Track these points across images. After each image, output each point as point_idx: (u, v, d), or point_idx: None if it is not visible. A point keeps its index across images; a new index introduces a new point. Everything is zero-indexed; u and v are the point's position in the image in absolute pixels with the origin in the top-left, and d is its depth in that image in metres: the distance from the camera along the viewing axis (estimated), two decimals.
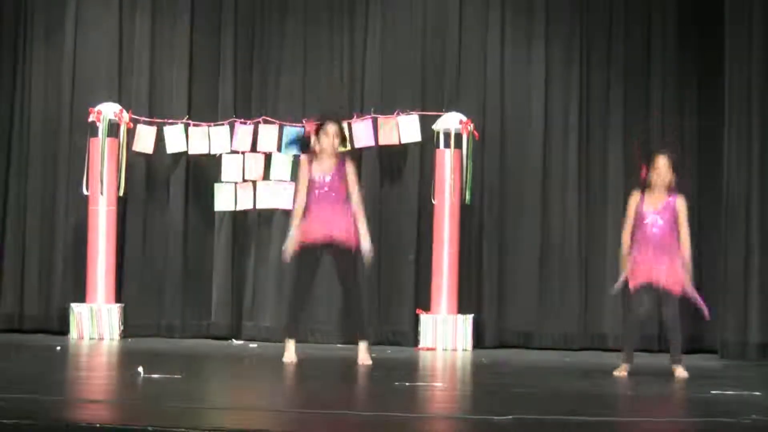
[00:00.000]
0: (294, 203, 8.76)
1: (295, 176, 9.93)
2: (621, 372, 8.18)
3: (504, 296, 11.10)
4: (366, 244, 8.57)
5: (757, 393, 6.93)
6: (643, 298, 8.10)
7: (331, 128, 8.57)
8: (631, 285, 8.12)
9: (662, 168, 8.09)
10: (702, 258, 10.68)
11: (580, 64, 11.19)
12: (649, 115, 11.01)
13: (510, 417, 5.28)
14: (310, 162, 8.58)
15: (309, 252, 8.51)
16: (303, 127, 10.85)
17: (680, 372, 8.09)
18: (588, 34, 11.22)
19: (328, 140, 8.54)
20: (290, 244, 8.50)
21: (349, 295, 8.67)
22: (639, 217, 8.13)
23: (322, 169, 8.54)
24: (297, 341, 8.79)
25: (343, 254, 8.52)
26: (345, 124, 8.86)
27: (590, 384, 7.64)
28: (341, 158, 8.62)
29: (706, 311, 8.18)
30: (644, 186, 8.17)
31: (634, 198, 8.21)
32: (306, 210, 8.53)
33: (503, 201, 11.18)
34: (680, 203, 8.13)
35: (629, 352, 8.27)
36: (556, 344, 10.93)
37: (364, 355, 8.64)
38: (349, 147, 8.95)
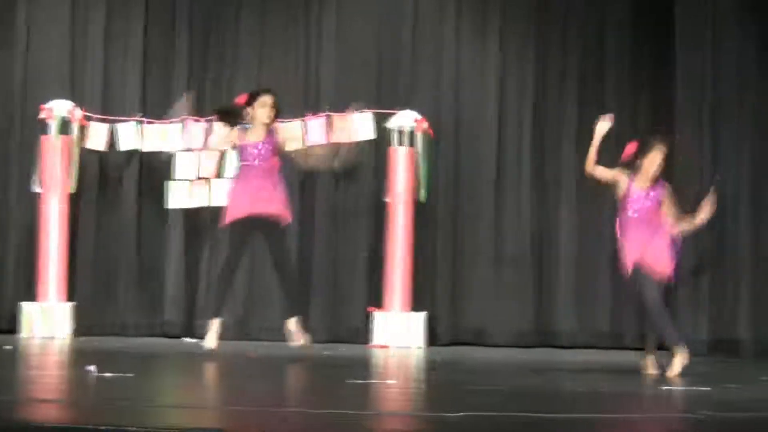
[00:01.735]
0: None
1: None
2: (650, 369, 8.04)
3: (457, 294, 11.13)
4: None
5: (707, 388, 6.99)
6: (650, 279, 7.97)
7: (268, 99, 8.55)
8: (627, 270, 8.05)
9: (656, 158, 8.05)
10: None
11: (535, 63, 11.24)
12: (603, 114, 11.07)
13: (463, 414, 5.29)
14: (241, 131, 8.53)
15: (239, 228, 8.47)
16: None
17: (679, 359, 7.94)
18: (543, 33, 11.27)
19: (264, 111, 8.51)
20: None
21: (283, 272, 8.61)
22: (627, 197, 8.09)
23: (252, 140, 8.50)
24: (222, 325, 8.71)
25: (274, 230, 8.49)
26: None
27: (544, 381, 7.67)
28: (270, 130, 8.59)
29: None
30: (633, 169, 8.14)
31: (623, 176, 8.14)
32: (237, 180, 8.49)
33: (457, 199, 11.21)
34: (667, 191, 8.14)
35: (650, 343, 8.08)
36: (510, 341, 10.98)
37: (298, 333, 8.58)
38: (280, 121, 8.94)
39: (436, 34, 11.34)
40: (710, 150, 10.21)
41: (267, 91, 8.72)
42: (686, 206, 8.32)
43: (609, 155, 8.35)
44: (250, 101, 8.59)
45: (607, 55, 11.18)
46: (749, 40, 10.19)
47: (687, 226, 8.13)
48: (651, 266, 7.97)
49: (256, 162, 8.47)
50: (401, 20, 11.33)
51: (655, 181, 8.12)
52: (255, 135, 8.54)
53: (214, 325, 8.65)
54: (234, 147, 8.62)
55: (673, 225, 8.08)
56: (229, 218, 8.51)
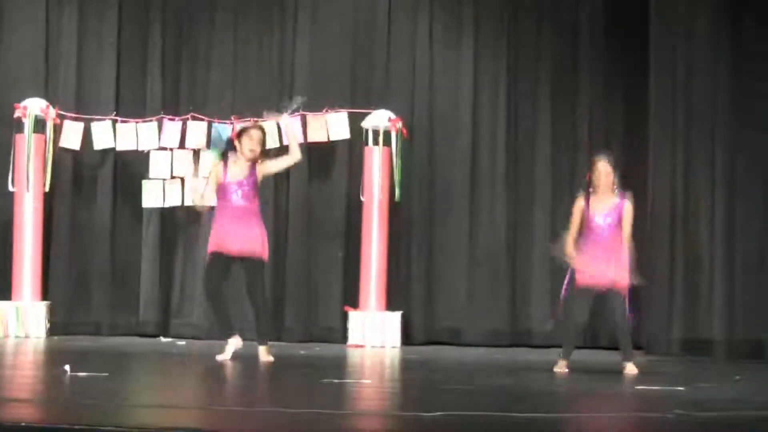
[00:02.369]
0: (199, 193, 8.69)
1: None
2: (561, 368, 8.18)
3: (433, 293, 11.14)
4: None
5: (681, 388, 7.03)
6: (584, 302, 8.11)
7: (256, 134, 8.56)
8: (576, 284, 8.12)
9: (603, 172, 8.15)
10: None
11: (508, 63, 11.26)
12: (577, 114, 11.13)
13: (438, 413, 5.31)
14: (226, 165, 8.52)
15: (219, 262, 8.46)
16: (232, 125, 10.85)
17: (630, 368, 8.09)
18: (516, 33, 11.29)
19: (251, 143, 8.51)
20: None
21: (257, 306, 8.62)
22: (586, 220, 8.17)
23: (235, 174, 8.49)
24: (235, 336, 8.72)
25: (253, 267, 8.50)
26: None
27: (518, 380, 7.70)
28: (252, 165, 8.60)
29: (629, 317, 8.27)
30: (588, 189, 8.22)
31: (579, 201, 8.23)
32: (218, 215, 8.48)
33: (432, 199, 11.22)
34: (627, 205, 8.18)
35: (568, 350, 8.25)
36: (485, 341, 10.99)
37: (265, 356, 8.61)
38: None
39: (410, 33, 11.35)
40: (683, 154, 10.24)
41: (257, 126, 8.73)
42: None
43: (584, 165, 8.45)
44: (239, 134, 8.58)
45: (580, 55, 11.21)
46: (723, 44, 10.23)
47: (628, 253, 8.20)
48: (607, 285, 8.01)
49: (237, 202, 8.45)
50: (375, 20, 11.33)
51: (613, 194, 8.15)
52: (237, 171, 8.50)
53: (231, 342, 8.59)
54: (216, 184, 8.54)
55: (624, 241, 8.14)
56: (209, 249, 8.50)
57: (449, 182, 11.22)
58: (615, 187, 8.19)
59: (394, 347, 10.56)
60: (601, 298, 8.14)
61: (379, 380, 7.78)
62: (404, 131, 10.96)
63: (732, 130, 10.19)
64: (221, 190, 8.48)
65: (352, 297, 10.92)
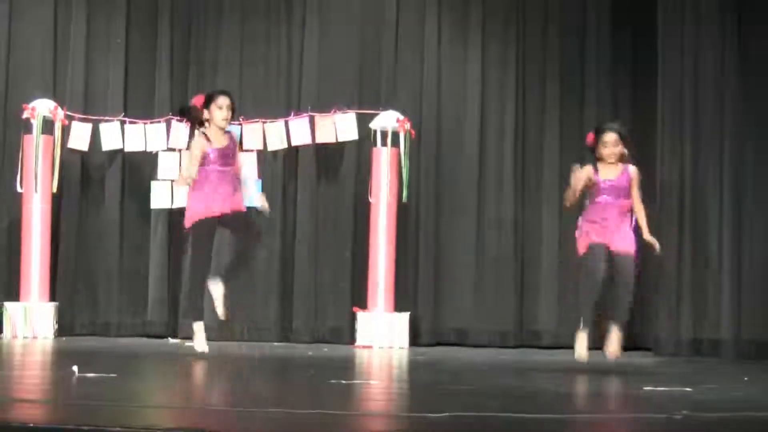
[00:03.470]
0: (185, 171, 8.66)
1: None
2: (581, 346, 8.04)
3: (440, 294, 11.14)
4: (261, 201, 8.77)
5: (689, 389, 7.02)
6: (600, 256, 8.03)
7: (224, 101, 8.57)
8: (583, 245, 8.11)
9: (610, 143, 8.15)
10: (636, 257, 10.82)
11: (516, 63, 11.26)
12: (584, 114, 11.13)
13: (445, 414, 5.31)
14: (205, 136, 8.54)
15: (207, 227, 8.48)
16: (240, 125, 10.87)
17: (614, 343, 8.01)
18: (524, 33, 11.29)
19: (221, 113, 8.53)
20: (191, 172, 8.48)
21: (240, 249, 8.67)
22: (595, 187, 8.16)
23: (215, 144, 8.52)
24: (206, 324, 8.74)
25: (237, 221, 8.52)
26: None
27: (525, 381, 7.69)
28: (229, 133, 8.64)
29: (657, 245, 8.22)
30: (596, 160, 8.22)
31: (587, 168, 8.20)
32: (202, 183, 8.49)
33: (440, 199, 11.22)
34: (633, 171, 8.19)
35: (588, 316, 8.10)
36: (492, 342, 10.99)
37: (224, 304, 8.62)
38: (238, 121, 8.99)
39: (418, 34, 11.35)
40: (692, 154, 10.23)
41: (222, 92, 8.76)
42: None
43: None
44: (206, 103, 8.60)
45: (588, 55, 11.20)
46: (730, 45, 10.22)
47: (640, 221, 8.20)
48: (616, 249, 8.00)
49: (219, 169, 8.48)
50: (383, 21, 11.33)
51: (619, 164, 8.16)
52: (214, 139, 8.54)
53: (200, 328, 8.63)
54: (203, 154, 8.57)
55: (638, 206, 8.15)
56: (190, 221, 8.51)
57: (457, 183, 11.22)
58: (624, 156, 8.18)
59: (401, 348, 10.56)
60: (610, 258, 8.07)
61: (386, 381, 7.78)
62: (412, 132, 10.96)
63: (740, 130, 10.18)
64: (204, 160, 8.50)
65: (359, 298, 10.93)
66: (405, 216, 11.03)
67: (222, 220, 8.57)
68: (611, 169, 8.21)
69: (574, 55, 11.23)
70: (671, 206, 10.24)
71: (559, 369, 8.23)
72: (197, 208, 8.54)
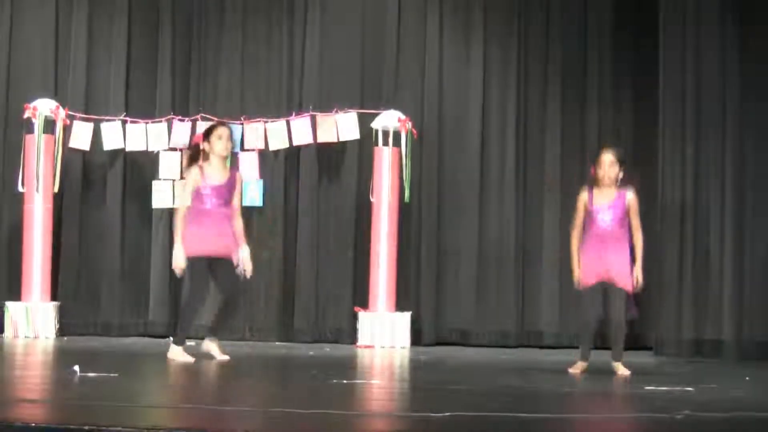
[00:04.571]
0: (180, 212, 8.57)
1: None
2: (575, 369, 8.14)
3: (442, 294, 11.14)
4: (245, 253, 8.52)
5: (690, 388, 7.02)
6: (595, 299, 8.10)
7: (224, 131, 8.53)
8: (582, 283, 8.13)
9: (606, 163, 8.14)
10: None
11: (518, 64, 11.26)
12: (586, 114, 11.12)
13: (447, 414, 5.31)
14: (202, 169, 8.49)
15: (202, 263, 8.45)
16: (242, 125, 10.87)
17: (622, 370, 8.09)
18: (525, 33, 11.29)
19: (221, 144, 8.48)
20: (181, 259, 8.41)
21: (232, 298, 8.62)
22: (589, 213, 8.16)
23: (214, 178, 8.47)
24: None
25: (228, 267, 8.49)
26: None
27: (527, 381, 7.69)
28: (232, 168, 8.62)
29: (634, 310, 8.26)
30: (592, 183, 8.21)
31: (583, 195, 8.22)
32: (195, 219, 8.45)
33: (441, 199, 11.22)
34: (630, 196, 8.17)
35: (585, 350, 8.18)
36: (493, 342, 10.99)
37: (219, 351, 8.65)
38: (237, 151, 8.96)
39: (419, 34, 11.35)
40: (693, 154, 10.23)
41: (221, 124, 8.75)
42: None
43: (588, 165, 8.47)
44: (205, 135, 8.54)
45: (590, 55, 11.21)
46: (731, 45, 10.22)
47: (636, 250, 8.18)
48: (611, 280, 8.01)
49: (214, 206, 8.43)
50: (385, 21, 11.34)
51: (619, 186, 8.13)
52: (215, 174, 8.47)
53: (178, 351, 8.56)
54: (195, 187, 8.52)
55: (636, 233, 8.13)
56: (188, 254, 8.46)
57: (459, 183, 11.22)
58: (618, 180, 8.16)
59: (403, 348, 10.56)
60: (605, 291, 8.11)
61: (388, 381, 7.78)
62: (414, 132, 10.96)
63: (742, 131, 10.18)
64: (198, 195, 8.44)
65: (361, 298, 10.93)
66: (406, 216, 11.03)
67: (211, 263, 8.53)
68: (607, 192, 8.14)
69: (575, 55, 11.23)
70: (673, 206, 10.24)
71: (560, 369, 8.23)
72: (190, 245, 8.45)
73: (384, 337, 10.62)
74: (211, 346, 8.71)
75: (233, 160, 9.80)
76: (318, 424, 5.15)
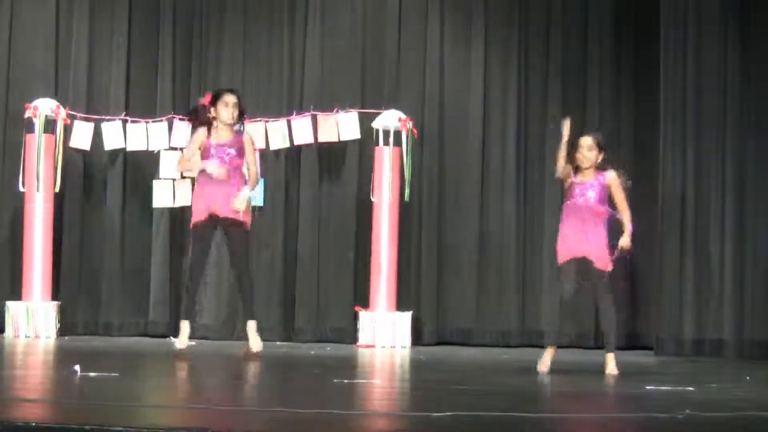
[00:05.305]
0: (184, 153, 8.66)
1: None
2: (543, 366, 8.10)
3: (442, 293, 11.14)
4: (245, 191, 8.52)
5: (691, 388, 7.02)
6: (570, 274, 8.08)
7: (230, 98, 8.55)
8: (558, 260, 8.12)
9: (584, 147, 8.11)
10: (638, 257, 10.83)
11: (518, 63, 11.26)
12: (587, 114, 11.12)
13: (448, 414, 5.31)
14: (208, 130, 8.51)
15: (205, 230, 8.47)
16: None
17: (611, 368, 8.04)
18: (526, 33, 11.28)
19: (227, 111, 8.51)
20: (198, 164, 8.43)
21: (241, 276, 8.61)
22: (570, 190, 8.15)
23: (219, 142, 8.49)
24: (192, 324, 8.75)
25: (237, 236, 8.48)
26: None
27: (528, 381, 7.69)
28: (238, 132, 8.60)
29: (623, 283, 8.26)
30: (575, 166, 8.18)
31: (569, 168, 8.17)
32: (201, 180, 8.47)
33: (442, 199, 11.22)
34: (610, 176, 8.13)
35: (552, 336, 8.18)
36: (495, 341, 10.99)
37: (254, 339, 8.62)
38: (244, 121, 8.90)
39: (420, 33, 11.35)
40: (694, 155, 10.23)
41: (229, 90, 8.76)
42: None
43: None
44: (213, 101, 8.58)
45: (590, 55, 11.20)
46: (732, 44, 10.22)
47: (624, 222, 8.14)
48: (588, 258, 7.98)
49: (225, 164, 8.45)
50: (386, 20, 11.33)
51: (595, 171, 8.10)
52: (220, 137, 8.51)
53: (184, 327, 8.62)
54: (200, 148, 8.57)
55: (622, 209, 8.09)
56: (193, 220, 8.50)
57: (459, 182, 11.22)
58: (597, 164, 8.12)
59: (404, 347, 10.56)
60: (583, 274, 8.06)
61: (389, 381, 7.78)
62: (414, 131, 10.96)
63: (742, 132, 10.18)
64: (204, 154, 8.48)
65: (362, 297, 10.93)
66: (407, 215, 11.03)
67: (220, 228, 8.53)
68: (587, 174, 8.13)
69: (576, 55, 11.22)
70: (673, 206, 10.24)
71: (562, 369, 8.22)
72: (197, 206, 8.53)
73: (385, 336, 10.62)
74: (249, 329, 8.70)
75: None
76: (319, 423, 5.15)
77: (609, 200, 8.12)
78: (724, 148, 10.21)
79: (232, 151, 8.53)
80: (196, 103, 9.19)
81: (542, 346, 10.74)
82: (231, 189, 8.50)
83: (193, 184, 10.84)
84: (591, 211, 8.06)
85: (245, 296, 8.76)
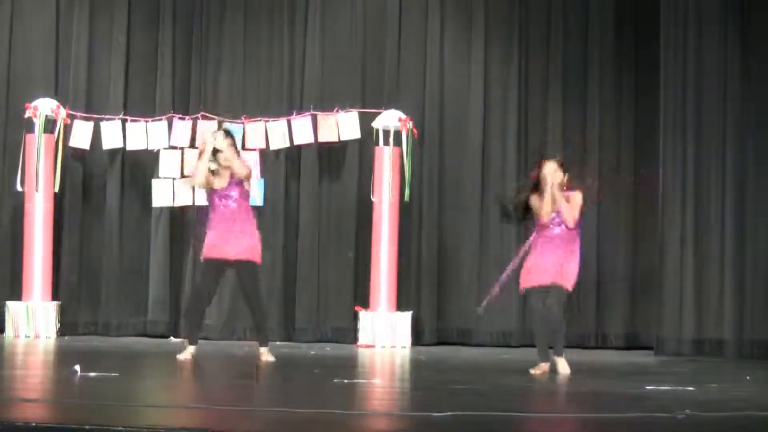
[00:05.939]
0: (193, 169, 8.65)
1: None
2: (537, 370, 8.07)
3: (443, 293, 11.13)
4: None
5: (691, 388, 7.02)
6: (540, 296, 8.03)
7: (224, 143, 8.47)
8: (522, 286, 8.08)
9: (548, 173, 8.01)
10: (639, 258, 10.85)
11: (519, 62, 11.25)
12: (587, 114, 11.11)
13: (448, 414, 5.31)
14: (213, 174, 8.49)
15: (213, 267, 8.45)
16: (242, 124, 10.88)
17: (563, 367, 7.98)
18: (527, 32, 11.28)
19: (224, 157, 8.45)
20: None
21: (256, 309, 8.60)
22: (539, 219, 8.09)
23: (221, 182, 8.47)
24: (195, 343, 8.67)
25: (248, 272, 8.48)
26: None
27: (528, 381, 7.68)
28: (231, 175, 8.56)
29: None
30: (540, 191, 8.08)
31: (534, 199, 8.05)
32: (211, 223, 8.47)
33: (442, 199, 11.21)
34: (574, 196, 8.08)
35: (543, 350, 8.13)
36: (495, 341, 10.99)
37: (267, 355, 8.62)
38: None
39: (420, 34, 11.34)
40: (694, 153, 10.23)
41: (223, 134, 8.63)
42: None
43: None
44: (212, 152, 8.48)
45: (590, 54, 11.20)
46: (732, 45, 10.22)
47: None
48: (552, 281, 7.95)
49: (227, 208, 8.43)
50: (386, 20, 11.33)
51: (566, 191, 8.04)
52: (222, 179, 8.48)
53: (189, 349, 8.57)
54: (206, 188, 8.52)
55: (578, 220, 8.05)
56: (204, 256, 8.49)
57: (460, 182, 11.22)
58: (563, 187, 8.05)
59: (404, 347, 10.56)
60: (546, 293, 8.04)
61: (389, 380, 7.78)
62: (415, 131, 10.96)
63: (742, 131, 10.18)
64: (212, 198, 8.48)
65: (362, 297, 10.92)
66: (408, 215, 11.03)
67: (231, 267, 8.56)
68: (553, 201, 8.04)
69: (576, 54, 11.22)
70: (673, 205, 10.23)
71: (529, 370, 8.23)
72: (210, 247, 8.45)
73: (385, 336, 10.62)
74: (263, 354, 8.64)
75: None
76: (319, 423, 5.15)
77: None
78: (724, 148, 10.20)
79: (236, 194, 8.49)
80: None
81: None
82: (242, 235, 8.45)
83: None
84: (564, 239, 8.01)
85: (259, 327, 8.73)
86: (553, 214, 8.00)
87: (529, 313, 8.28)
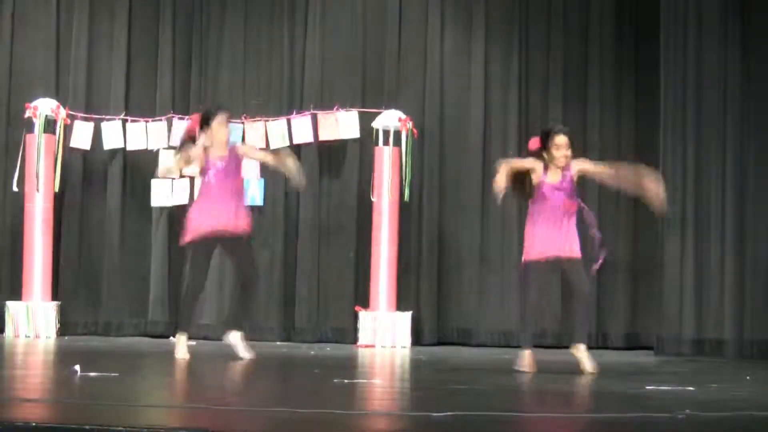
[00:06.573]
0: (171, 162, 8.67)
1: None
2: (523, 364, 8.05)
3: (443, 293, 11.13)
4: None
5: (691, 388, 7.01)
6: (539, 278, 8.03)
7: (225, 116, 8.47)
8: (527, 257, 8.07)
9: (563, 145, 8.05)
10: (638, 257, 10.84)
11: (519, 62, 11.25)
12: (587, 114, 11.11)
13: (448, 414, 5.30)
14: (206, 150, 8.47)
15: (202, 247, 8.43)
16: (242, 124, 10.87)
17: (585, 359, 7.96)
18: (527, 32, 11.27)
19: (224, 129, 8.45)
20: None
21: (249, 286, 8.56)
22: (540, 190, 8.11)
23: (215, 154, 8.46)
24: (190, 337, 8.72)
25: (239, 246, 8.46)
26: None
27: (528, 381, 7.68)
28: (230, 146, 8.55)
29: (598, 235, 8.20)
30: (545, 162, 8.12)
31: (537, 166, 8.10)
32: (200, 199, 8.46)
33: (442, 199, 11.22)
34: (576, 167, 8.08)
35: (528, 337, 8.11)
36: (495, 341, 10.99)
37: (242, 346, 8.59)
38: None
39: (420, 33, 11.35)
40: (694, 154, 10.23)
41: (222, 108, 8.65)
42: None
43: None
44: (207, 121, 8.46)
45: (591, 55, 11.19)
46: (732, 45, 10.22)
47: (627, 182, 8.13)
48: (560, 254, 7.95)
49: (217, 181, 8.40)
50: (386, 20, 11.33)
51: (564, 167, 8.08)
52: (217, 152, 8.46)
53: (183, 339, 8.59)
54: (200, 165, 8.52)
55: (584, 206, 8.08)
56: (190, 236, 8.44)
57: (460, 182, 11.22)
58: (568, 161, 8.09)
59: (404, 347, 10.56)
60: (560, 273, 8.05)
61: (389, 380, 7.77)
62: (415, 131, 10.96)
63: (743, 133, 10.18)
64: (202, 171, 8.47)
65: (362, 297, 10.93)
66: (408, 215, 11.03)
67: (222, 242, 8.51)
68: (556, 172, 8.10)
69: (577, 55, 11.22)
70: (673, 205, 10.22)
71: (562, 369, 8.22)
72: (196, 222, 8.43)
73: (385, 336, 10.62)
74: (235, 340, 8.62)
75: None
76: (319, 423, 5.14)
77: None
78: (724, 148, 10.20)
79: (230, 167, 8.46)
80: (183, 138, 8.90)
81: (542, 347, 10.82)
82: (232, 207, 8.43)
83: (191, 184, 10.88)
84: (566, 211, 8.03)
85: (241, 308, 8.68)
86: (552, 189, 8.01)
87: (523, 290, 8.18)
